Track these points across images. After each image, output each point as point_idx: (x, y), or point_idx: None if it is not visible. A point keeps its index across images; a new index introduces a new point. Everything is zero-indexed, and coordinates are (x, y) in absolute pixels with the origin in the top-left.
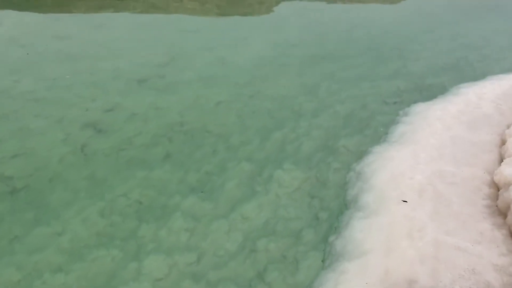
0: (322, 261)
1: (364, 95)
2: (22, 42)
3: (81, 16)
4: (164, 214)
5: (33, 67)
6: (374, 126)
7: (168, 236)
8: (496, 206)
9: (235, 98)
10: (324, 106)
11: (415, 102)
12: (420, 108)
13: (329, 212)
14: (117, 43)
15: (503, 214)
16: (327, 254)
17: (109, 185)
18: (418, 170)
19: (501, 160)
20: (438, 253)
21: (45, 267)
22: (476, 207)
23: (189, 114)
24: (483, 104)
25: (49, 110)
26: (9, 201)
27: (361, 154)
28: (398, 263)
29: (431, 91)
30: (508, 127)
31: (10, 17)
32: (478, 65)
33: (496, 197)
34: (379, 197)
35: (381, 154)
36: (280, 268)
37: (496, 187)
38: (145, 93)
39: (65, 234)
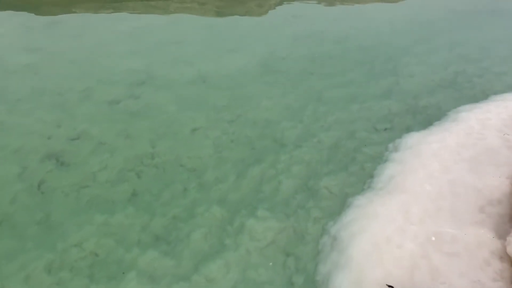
0: None
1: (353, 119)
2: None
3: (59, 23)
4: (119, 271)
5: None
6: (361, 161)
7: None
8: None
9: (213, 123)
10: (308, 134)
11: (408, 129)
12: (413, 140)
13: (305, 276)
14: (92, 56)
15: None
16: None
17: (63, 231)
18: (409, 234)
19: None
20: None
21: None
22: None
23: (161, 143)
24: (487, 133)
25: (6, 138)
26: None
27: (344, 198)
28: None
29: (426, 115)
30: None
31: None
32: (477, 81)
33: (510, 277)
34: (356, 281)
35: (363, 209)
36: None
37: (510, 261)
38: (116, 117)
39: None
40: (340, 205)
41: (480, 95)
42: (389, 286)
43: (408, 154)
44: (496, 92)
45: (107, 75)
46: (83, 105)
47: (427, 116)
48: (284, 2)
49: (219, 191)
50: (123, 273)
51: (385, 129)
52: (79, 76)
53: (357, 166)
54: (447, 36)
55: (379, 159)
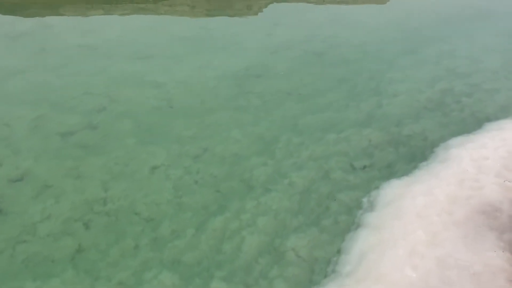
0: None
1: (329, 154)
2: None
3: (26, 36)
4: None
5: None
6: (335, 212)
7: None
8: None
9: (176, 160)
10: (279, 173)
11: (389, 166)
12: (393, 192)
13: None
14: (51, 76)
15: None
16: None
17: None
18: None
19: None
20: None
21: None
22: None
23: (116, 185)
24: (484, 180)
25: None
26: None
27: (313, 265)
28: None
29: (410, 148)
30: None
31: None
32: (467, 102)
33: None
34: None
35: None
36: None
37: None
38: (67, 153)
39: None
40: (308, 275)
41: (470, 120)
42: None
43: (386, 215)
44: (488, 116)
45: (64, 100)
46: (31, 137)
47: (410, 149)
48: (271, 5)
49: (175, 249)
50: None
51: (364, 167)
52: (33, 101)
53: (330, 219)
54: (435, 45)
55: (353, 216)
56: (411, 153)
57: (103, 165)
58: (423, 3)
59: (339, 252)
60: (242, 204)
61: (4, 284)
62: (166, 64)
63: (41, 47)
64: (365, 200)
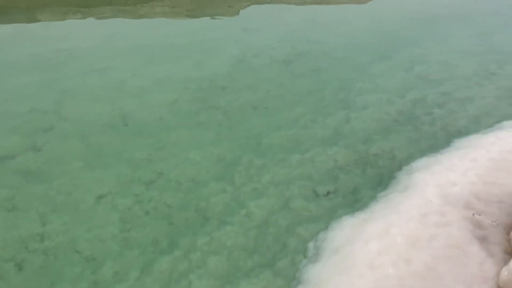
0: None
1: (291, 178)
2: None
3: None
4: None
5: None
6: (292, 250)
7: None
8: None
9: (126, 187)
10: (237, 202)
11: (354, 191)
12: (343, 234)
13: None
14: None
15: None
16: None
17: None
18: None
19: None
20: None
21: None
22: None
23: (56, 218)
24: (450, 214)
25: None
26: None
27: None
28: None
29: (378, 169)
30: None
31: None
32: (438, 113)
33: None
34: None
35: None
36: None
37: None
38: (4, 180)
39: None
40: None
41: (440, 135)
42: None
43: (332, 268)
44: (460, 130)
45: (7, 118)
46: None
47: (378, 170)
48: (251, 6)
49: None
50: None
51: (328, 194)
52: None
53: (287, 260)
54: (407, 49)
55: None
56: (378, 175)
57: (43, 194)
58: (401, 3)
59: None
60: (194, 240)
61: None
62: (123, 76)
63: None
64: (311, 245)
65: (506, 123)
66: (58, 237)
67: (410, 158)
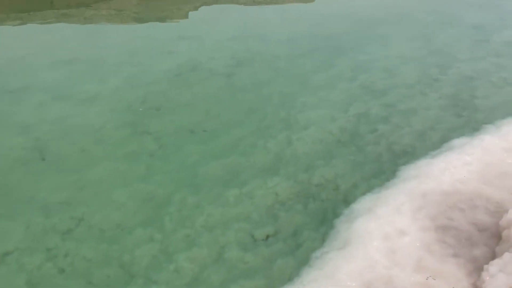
0: None
1: (227, 220)
2: None
3: None
4: None
5: None
6: None
7: None
8: None
9: (38, 239)
10: (166, 254)
11: (294, 234)
12: None
13: None
14: None
15: None
16: None
17: None
18: None
19: None
20: None
21: None
22: None
23: None
24: (399, 279)
25: None
26: None
27: None
28: None
29: (321, 204)
30: None
31: None
32: (382, 130)
33: None
34: None
35: None
36: None
37: None
38: None
39: None
40: None
41: (386, 157)
42: None
43: None
44: (405, 150)
45: None
46: None
47: (321, 205)
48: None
49: None
50: None
51: (267, 238)
52: None
53: None
54: (350, 56)
55: None
56: (321, 211)
57: None
58: (343, 4)
59: None
60: None
61: None
62: (42, 98)
63: None
64: None
65: (455, 142)
66: None
67: (354, 188)
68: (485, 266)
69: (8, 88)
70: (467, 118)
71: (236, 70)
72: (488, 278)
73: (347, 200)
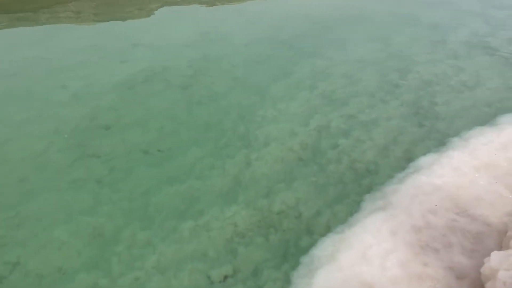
0: None
1: (181, 259)
2: None
3: None
4: None
5: None
6: None
7: None
8: None
9: None
10: None
11: (254, 273)
12: None
13: None
14: None
15: None
16: None
17: None
18: None
19: None
20: None
21: None
22: None
23: None
24: None
25: None
26: None
27: None
28: None
29: (282, 235)
30: None
31: None
32: (343, 146)
33: None
34: None
35: None
36: None
37: None
38: None
39: None
40: None
41: (348, 177)
42: None
43: None
44: (369, 169)
45: None
46: None
47: (283, 237)
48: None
49: None
50: None
51: (225, 279)
52: None
53: None
54: (309, 61)
55: None
56: (283, 244)
57: None
58: (300, 5)
59: None
60: None
61: None
62: None
63: None
64: None
65: (422, 160)
66: None
67: (317, 215)
68: None
69: None
70: (429, 128)
71: (192, 81)
72: None
73: (310, 230)
